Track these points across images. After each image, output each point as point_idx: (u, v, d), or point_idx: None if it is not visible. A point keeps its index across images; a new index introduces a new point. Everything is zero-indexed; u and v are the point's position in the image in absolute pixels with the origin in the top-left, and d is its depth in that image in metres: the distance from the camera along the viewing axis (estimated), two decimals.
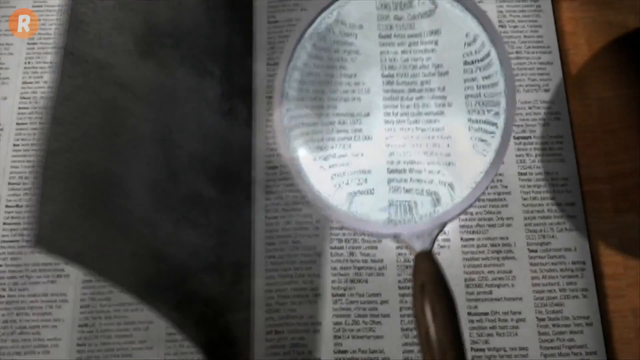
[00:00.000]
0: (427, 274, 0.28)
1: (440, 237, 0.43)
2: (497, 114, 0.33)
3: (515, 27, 0.48)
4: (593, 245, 0.43)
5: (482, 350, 0.41)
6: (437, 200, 0.31)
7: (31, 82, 0.47)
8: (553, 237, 0.43)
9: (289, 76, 0.34)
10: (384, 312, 0.41)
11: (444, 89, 0.35)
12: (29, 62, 0.48)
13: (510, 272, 0.42)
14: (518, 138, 0.45)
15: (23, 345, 0.41)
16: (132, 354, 0.41)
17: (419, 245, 0.29)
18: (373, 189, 0.33)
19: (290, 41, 0.34)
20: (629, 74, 0.47)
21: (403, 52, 0.36)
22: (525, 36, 0.48)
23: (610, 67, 0.47)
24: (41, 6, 0.50)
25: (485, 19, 0.34)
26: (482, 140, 0.32)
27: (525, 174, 0.44)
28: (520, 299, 0.42)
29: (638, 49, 0.47)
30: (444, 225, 0.30)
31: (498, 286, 0.42)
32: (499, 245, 0.43)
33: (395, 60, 0.35)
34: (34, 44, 0.48)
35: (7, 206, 0.44)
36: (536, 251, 0.43)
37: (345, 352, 0.41)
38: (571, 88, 0.47)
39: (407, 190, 0.32)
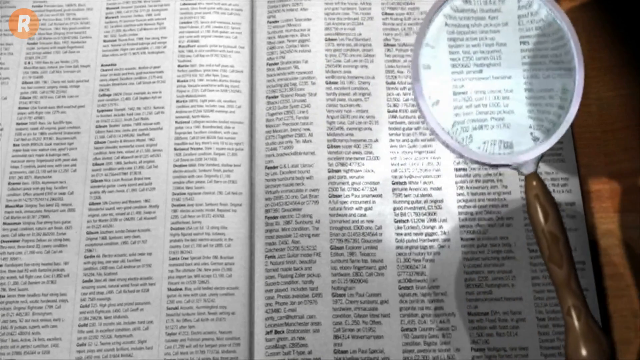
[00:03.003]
0: (538, 188, 0.37)
1: (441, 234, 0.43)
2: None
3: None
4: (593, 244, 0.43)
5: (482, 350, 0.41)
6: (535, 138, 0.38)
7: (31, 82, 0.47)
8: None
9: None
10: (384, 312, 0.41)
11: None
12: (29, 62, 0.48)
13: (510, 272, 0.42)
14: None
15: (23, 345, 0.41)
16: (132, 353, 0.41)
17: (526, 170, 0.37)
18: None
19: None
20: (629, 74, 0.47)
21: (405, 94, 0.46)
22: None
23: (610, 67, 0.47)
24: (41, 6, 0.50)
25: None
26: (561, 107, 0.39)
27: None
28: (520, 299, 0.42)
29: (638, 49, 0.47)
30: (543, 153, 0.37)
31: (498, 286, 0.42)
32: (499, 245, 0.43)
33: (398, 100, 0.46)
34: (34, 44, 0.48)
35: (7, 206, 0.44)
36: (536, 251, 0.42)
37: (345, 352, 0.41)
38: None
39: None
